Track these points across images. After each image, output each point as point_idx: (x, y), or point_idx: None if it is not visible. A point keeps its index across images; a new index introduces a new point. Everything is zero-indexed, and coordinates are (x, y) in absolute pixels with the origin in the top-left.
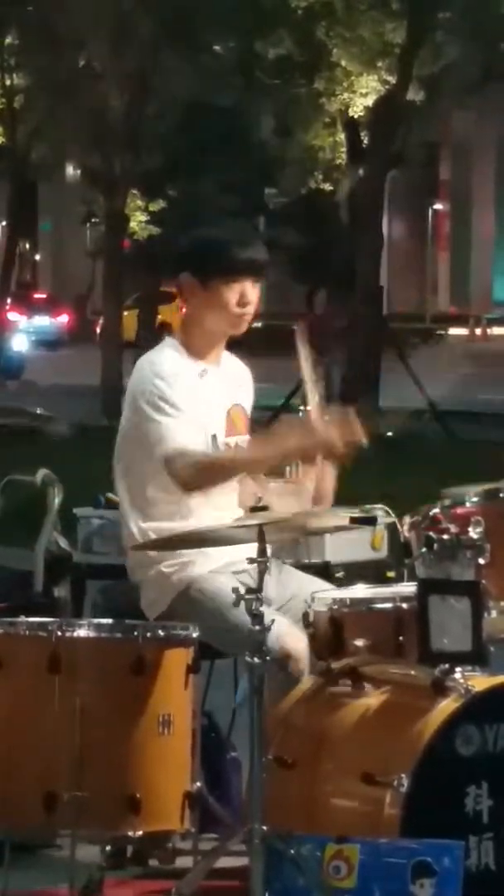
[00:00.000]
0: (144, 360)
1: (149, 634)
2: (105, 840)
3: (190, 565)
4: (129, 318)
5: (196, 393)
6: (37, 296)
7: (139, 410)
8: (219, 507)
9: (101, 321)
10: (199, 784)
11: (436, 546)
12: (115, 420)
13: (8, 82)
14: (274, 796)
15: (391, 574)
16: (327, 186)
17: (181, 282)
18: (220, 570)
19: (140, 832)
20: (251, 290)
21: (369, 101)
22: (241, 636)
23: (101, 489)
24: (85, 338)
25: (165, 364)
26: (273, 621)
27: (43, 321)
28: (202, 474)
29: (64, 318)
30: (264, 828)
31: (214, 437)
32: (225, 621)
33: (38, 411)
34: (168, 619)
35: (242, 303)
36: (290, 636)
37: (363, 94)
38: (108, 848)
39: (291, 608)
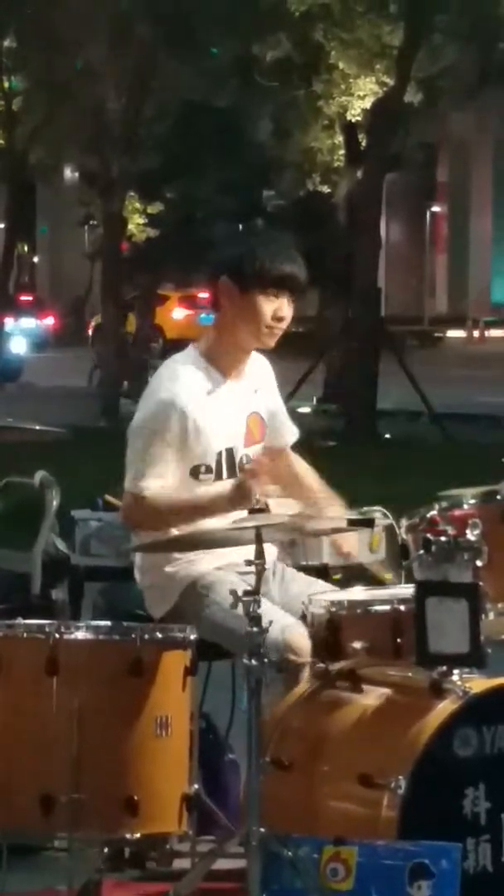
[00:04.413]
0: (165, 372)
1: (146, 636)
2: (103, 842)
3: (194, 563)
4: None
5: (205, 413)
6: (23, 298)
7: (139, 432)
8: None
9: (92, 323)
10: (196, 786)
11: (433, 548)
12: (112, 422)
13: (6, 84)
14: (271, 798)
15: (389, 576)
16: (325, 188)
17: (219, 286)
18: (225, 568)
19: (138, 834)
20: (287, 307)
21: (367, 103)
22: (243, 635)
23: (98, 491)
24: (84, 340)
25: (179, 384)
26: (271, 623)
27: (29, 323)
28: (151, 523)
29: (50, 321)
30: (262, 830)
31: (231, 450)
32: (230, 619)
33: (37, 427)
34: (173, 617)
35: (277, 317)
36: (294, 630)
37: (361, 96)
38: (105, 850)
39: (292, 610)
